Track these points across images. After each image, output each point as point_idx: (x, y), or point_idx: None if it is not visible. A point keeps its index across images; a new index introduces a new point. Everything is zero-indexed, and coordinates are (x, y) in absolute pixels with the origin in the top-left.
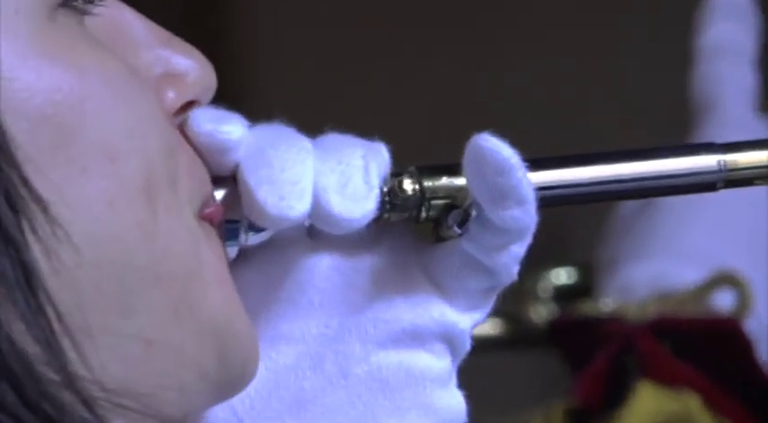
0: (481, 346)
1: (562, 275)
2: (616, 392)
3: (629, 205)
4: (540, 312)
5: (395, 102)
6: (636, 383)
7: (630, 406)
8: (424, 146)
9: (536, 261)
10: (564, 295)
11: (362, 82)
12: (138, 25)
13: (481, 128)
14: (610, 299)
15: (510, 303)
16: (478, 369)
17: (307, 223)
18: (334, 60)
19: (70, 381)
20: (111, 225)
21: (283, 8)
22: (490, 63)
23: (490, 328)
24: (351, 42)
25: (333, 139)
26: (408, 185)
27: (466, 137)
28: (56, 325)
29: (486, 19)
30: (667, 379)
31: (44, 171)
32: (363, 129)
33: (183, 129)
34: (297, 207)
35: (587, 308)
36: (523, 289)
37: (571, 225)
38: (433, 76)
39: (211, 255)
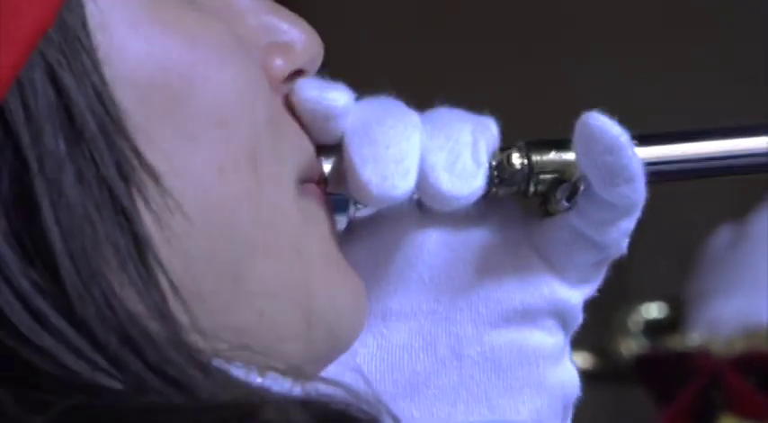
0: None
1: (653, 309)
2: None
3: (720, 239)
4: (631, 346)
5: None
6: (721, 417)
7: None
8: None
9: (628, 295)
10: (654, 329)
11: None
12: None
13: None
14: (697, 333)
15: (600, 336)
16: None
17: (416, 197)
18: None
19: (184, 346)
20: (220, 193)
21: None
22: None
23: (579, 361)
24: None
25: (442, 114)
26: (517, 160)
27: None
28: (169, 293)
29: None
30: (752, 414)
31: (154, 140)
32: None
33: (288, 99)
34: (401, 186)
35: (674, 342)
36: (614, 322)
37: (663, 259)
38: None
39: (318, 230)
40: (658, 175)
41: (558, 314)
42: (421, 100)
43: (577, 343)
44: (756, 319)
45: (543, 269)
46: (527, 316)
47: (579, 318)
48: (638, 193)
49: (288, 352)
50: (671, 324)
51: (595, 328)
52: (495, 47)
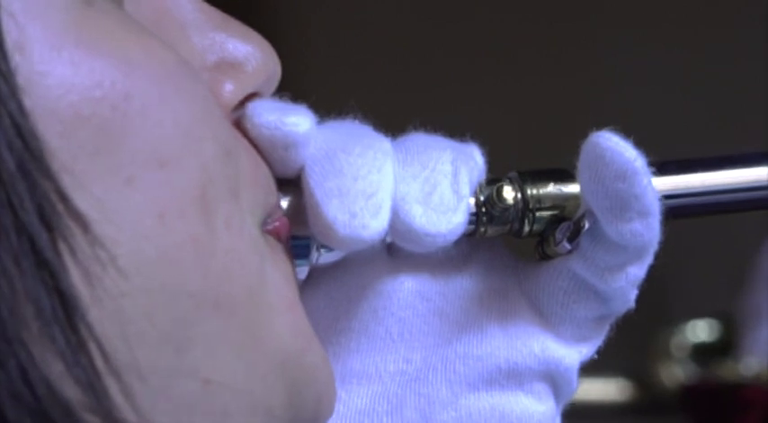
0: (606, 412)
1: (701, 330)
2: None
3: None
4: (675, 374)
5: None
6: None
7: None
8: (518, 149)
9: (671, 313)
10: (703, 353)
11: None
12: (186, 6)
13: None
14: (753, 359)
15: (640, 363)
16: None
17: (387, 240)
18: (395, 50)
19: None
20: (162, 243)
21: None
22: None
23: (617, 391)
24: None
25: (416, 140)
26: (509, 193)
27: (571, 139)
28: (99, 364)
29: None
30: None
31: (83, 182)
32: (444, 128)
33: (241, 125)
34: (371, 225)
35: (727, 370)
36: (656, 346)
37: (711, 270)
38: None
39: (278, 275)
40: (678, 210)
41: (550, 377)
42: (393, 124)
43: (613, 370)
44: None
45: (535, 322)
46: (513, 377)
47: (574, 383)
48: (653, 231)
49: None
50: (722, 347)
51: (634, 353)
52: (480, 62)
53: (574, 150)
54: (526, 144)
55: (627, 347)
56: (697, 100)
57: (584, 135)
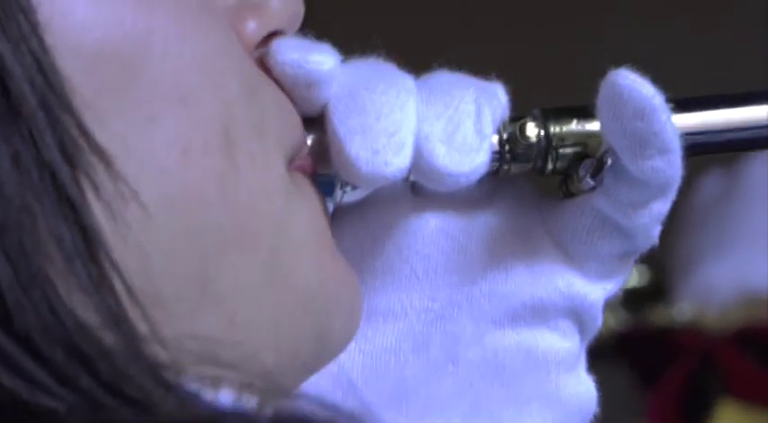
0: None
1: (632, 276)
2: (695, 413)
3: (708, 190)
4: (607, 321)
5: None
6: (717, 402)
7: None
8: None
9: None
10: (634, 300)
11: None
12: None
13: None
14: (686, 304)
15: None
16: None
17: (411, 178)
18: None
19: (142, 359)
20: (185, 179)
21: None
22: None
23: None
24: None
25: (440, 79)
26: (532, 131)
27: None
28: (123, 297)
29: None
30: (755, 396)
31: (105, 118)
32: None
33: (265, 63)
34: (394, 162)
35: (661, 315)
36: None
37: None
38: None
39: (306, 211)
40: (699, 147)
41: (575, 313)
42: (418, 66)
43: None
44: (755, 284)
45: (559, 259)
46: (538, 314)
47: (599, 320)
48: (674, 167)
49: (265, 362)
50: (653, 293)
51: None
52: (502, 5)
53: (596, 87)
54: (551, 80)
55: None
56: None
57: (607, 72)
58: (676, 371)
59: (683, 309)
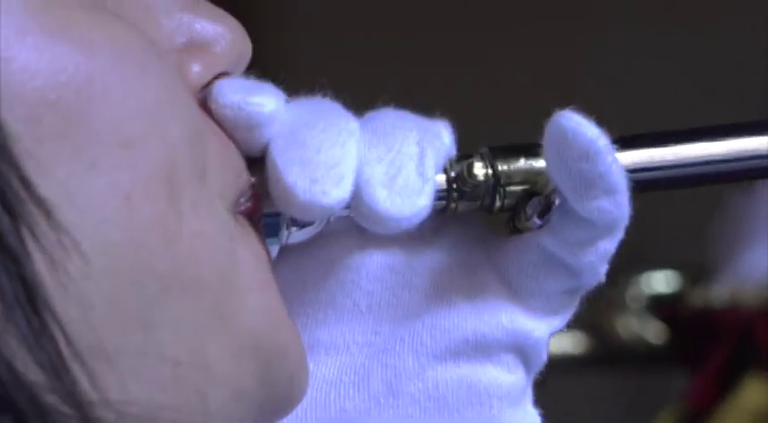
0: (562, 365)
1: (656, 281)
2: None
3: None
4: (631, 326)
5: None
6: (746, 377)
7: (735, 401)
8: (489, 125)
9: (625, 263)
10: (660, 306)
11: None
12: None
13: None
14: (724, 286)
15: (596, 315)
16: (557, 392)
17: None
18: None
19: (82, 411)
20: (127, 226)
21: None
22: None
23: (571, 344)
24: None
25: (384, 119)
26: (480, 170)
27: (543, 115)
28: (64, 349)
29: None
30: None
31: (47, 166)
32: (418, 106)
33: (207, 104)
34: (332, 193)
35: (699, 297)
36: (609, 297)
37: (670, 217)
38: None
39: (250, 256)
40: (645, 183)
41: (519, 348)
42: (365, 99)
43: (568, 322)
44: None
45: (503, 294)
46: (481, 349)
47: (543, 356)
48: (621, 207)
49: (212, 410)
50: (677, 299)
51: (589, 305)
52: (448, 36)
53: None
54: (500, 116)
55: (582, 300)
56: (686, 73)
57: (556, 108)
58: (717, 351)
59: (721, 292)
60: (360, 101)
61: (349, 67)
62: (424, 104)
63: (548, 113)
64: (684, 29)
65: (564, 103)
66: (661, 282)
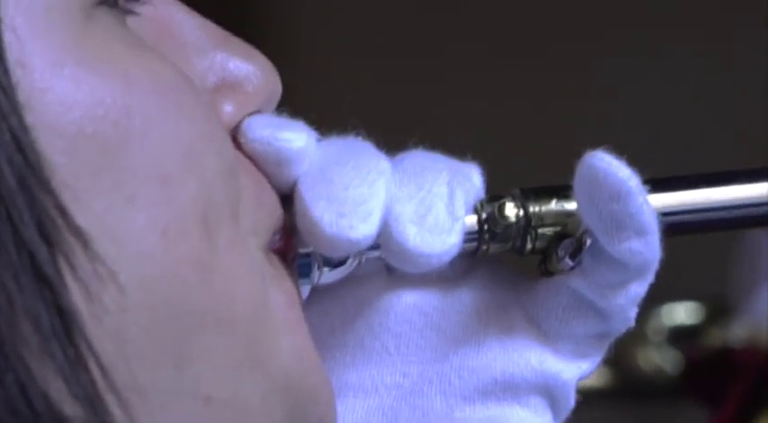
0: (583, 397)
1: (677, 313)
2: None
3: None
4: (652, 358)
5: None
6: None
7: None
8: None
9: (646, 294)
10: (681, 338)
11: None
12: (188, 25)
13: (592, 145)
14: (741, 325)
15: (616, 347)
16: None
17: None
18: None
19: None
20: (164, 261)
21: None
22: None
23: (593, 377)
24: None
25: (414, 160)
26: (511, 211)
27: (575, 155)
28: (99, 381)
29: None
30: None
31: (84, 199)
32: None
33: (237, 140)
34: (359, 228)
35: (717, 337)
36: (632, 330)
37: (691, 248)
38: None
39: (282, 297)
40: (677, 226)
41: (547, 391)
42: (398, 139)
43: None
44: None
45: (532, 336)
46: (509, 390)
47: (571, 400)
48: (652, 248)
49: None
50: (698, 330)
51: None
52: (479, 76)
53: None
54: (530, 156)
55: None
56: (700, 102)
57: (587, 148)
58: (734, 390)
59: (738, 332)
60: (373, 117)
61: (366, 99)
62: (453, 142)
63: (577, 153)
64: (710, 63)
65: (592, 143)
66: (682, 314)
